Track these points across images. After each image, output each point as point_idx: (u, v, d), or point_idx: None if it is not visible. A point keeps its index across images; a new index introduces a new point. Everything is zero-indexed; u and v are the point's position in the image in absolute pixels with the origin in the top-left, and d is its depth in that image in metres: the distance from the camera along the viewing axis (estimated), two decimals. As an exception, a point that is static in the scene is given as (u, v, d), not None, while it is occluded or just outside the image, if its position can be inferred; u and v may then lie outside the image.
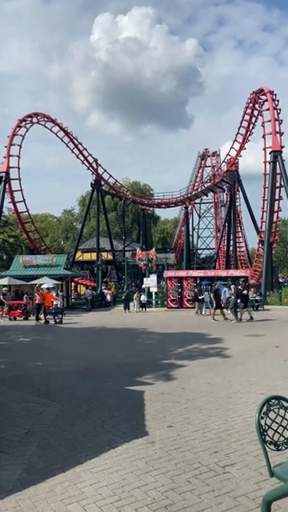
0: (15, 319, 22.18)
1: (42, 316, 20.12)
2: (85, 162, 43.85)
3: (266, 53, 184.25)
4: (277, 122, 33.24)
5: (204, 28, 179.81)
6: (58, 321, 20.16)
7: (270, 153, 33.10)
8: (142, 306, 27.22)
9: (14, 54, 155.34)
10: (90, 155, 44.20)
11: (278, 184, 33.22)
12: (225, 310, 19.62)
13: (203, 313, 21.93)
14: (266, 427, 2.94)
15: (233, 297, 18.97)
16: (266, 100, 34.29)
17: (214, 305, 19.81)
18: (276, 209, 33.55)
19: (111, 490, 3.69)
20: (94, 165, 44.85)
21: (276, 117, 33.39)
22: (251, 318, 18.81)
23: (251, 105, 37.90)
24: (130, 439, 4.84)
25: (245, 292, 19.32)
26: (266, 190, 33.56)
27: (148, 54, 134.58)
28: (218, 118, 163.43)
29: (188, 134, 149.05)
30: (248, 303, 19.95)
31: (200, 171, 64.77)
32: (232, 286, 19.80)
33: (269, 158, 33.40)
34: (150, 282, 29.90)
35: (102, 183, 46.39)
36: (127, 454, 4.45)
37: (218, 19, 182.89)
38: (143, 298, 27.74)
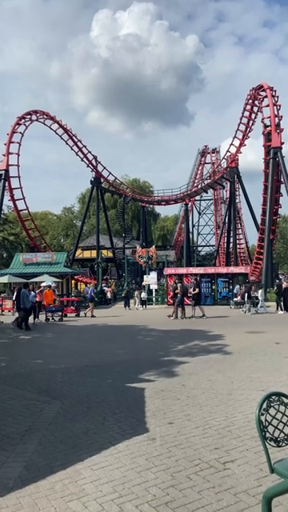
0: (66, 316, 21.80)
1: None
2: (84, 159, 43.80)
3: (266, 49, 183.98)
4: (276, 119, 33.17)
5: (204, 24, 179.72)
6: (57, 318, 20.14)
7: (270, 149, 33.04)
8: (143, 303, 27.25)
9: (14, 52, 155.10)
10: (90, 152, 44.16)
11: (277, 181, 33.19)
12: (216, 306, 19.87)
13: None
14: (267, 423, 2.93)
15: (178, 295, 19.58)
16: (266, 96, 34.21)
17: (193, 301, 20.09)
18: (276, 205, 33.53)
19: (112, 486, 3.69)
20: (94, 162, 44.78)
21: (276, 113, 33.32)
22: (203, 315, 19.09)
23: (251, 101, 37.81)
24: (131, 436, 4.84)
25: (196, 290, 19.87)
26: (266, 186, 33.52)
27: (148, 51, 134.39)
28: (218, 115, 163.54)
29: (189, 131, 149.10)
30: (201, 301, 20.61)
31: (200, 168, 64.68)
32: (179, 285, 20.32)
33: (269, 154, 33.35)
34: (150, 279, 29.94)
35: (102, 180, 46.34)
36: (128, 450, 4.45)
37: (218, 15, 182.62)
38: (143, 295, 27.77)
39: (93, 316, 21.26)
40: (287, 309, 20.94)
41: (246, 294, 21.53)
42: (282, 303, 21.20)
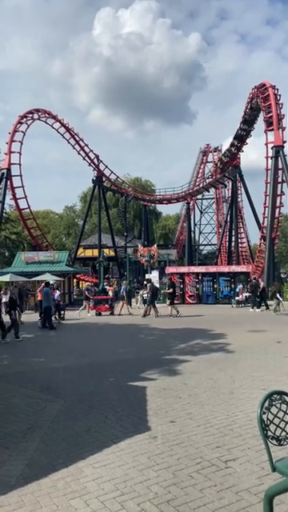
0: (100, 314, 21.59)
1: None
2: (86, 158, 43.77)
3: (269, 47, 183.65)
4: (279, 117, 33.07)
5: (206, 22, 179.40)
6: (60, 317, 20.10)
7: (272, 148, 32.96)
8: (145, 302, 27.23)
9: (15, 50, 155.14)
10: (92, 151, 44.12)
11: (279, 179, 33.10)
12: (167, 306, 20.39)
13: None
14: (268, 422, 2.93)
15: (149, 294, 20.07)
16: (268, 95, 34.10)
17: (168, 301, 20.42)
18: (278, 204, 33.44)
19: (114, 484, 3.70)
20: (96, 161, 44.75)
21: (278, 112, 33.21)
22: (177, 313, 19.32)
23: (253, 100, 37.68)
24: (133, 434, 4.85)
25: (170, 290, 20.30)
26: (268, 185, 33.45)
27: (151, 49, 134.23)
28: (220, 114, 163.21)
29: (191, 130, 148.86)
30: (175, 300, 20.97)
31: (202, 167, 64.58)
32: (148, 285, 20.65)
33: (271, 153, 33.27)
34: (152, 278, 29.90)
35: (104, 179, 46.30)
36: (129, 449, 4.46)
37: (221, 13, 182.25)
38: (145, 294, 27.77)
39: (130, 314, 20.71)
40: (261, 306, 21.87)
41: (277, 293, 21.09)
42: (257, 301, 22.11)
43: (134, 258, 34.22)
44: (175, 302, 21.28)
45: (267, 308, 21.47)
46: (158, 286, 22.06)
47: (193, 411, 5.68)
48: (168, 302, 20.45)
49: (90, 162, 44.20)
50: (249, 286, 23.51)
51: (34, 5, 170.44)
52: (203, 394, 6.50)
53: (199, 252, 66.30)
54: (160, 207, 72.31)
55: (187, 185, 51.37)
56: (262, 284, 22.48)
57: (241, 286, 25.97)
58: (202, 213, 65.67)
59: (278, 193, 33.26)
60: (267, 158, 33.79)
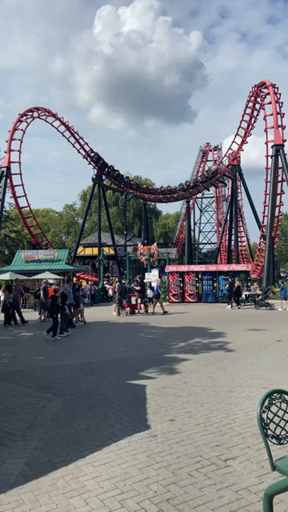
0: (134, 312, 21.28)
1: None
2: (86, 156, 43.71)
3: (270, 46, 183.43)
4: (279, 116, 33.04)
5: (207, 20, 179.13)
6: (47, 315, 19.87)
7: (272, 147, 32.93)
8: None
9: (17, 48, 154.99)
10: (92, 150, 44.05)
11: (279, 178, 33.08)
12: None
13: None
14: (268, 421, 2.93)
15: (117, 293, 20.48)
16: (268, 93, 34.04)
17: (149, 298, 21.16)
18: (278, 203, 33.43)
19: (113, 483, 3.70)
20: (95, 159, 44.67)
21: (278, 110, 33.18)
22: (145, 312, 19.97)
23: (253, 98, 37.63)
24: (132, 433, 4.85)
25: (138, 288, 20.88)
26: (268, 183, 33.43)
27: (152, 47, 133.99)
28: (221, 112, 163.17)
29: (191, 129, 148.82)
30: (143, 298, 21.45)
31: (202, 166, 64.52)
32: (117, 284, 21.05)
33: (271, 151, 33.24)
34: (152, 276, 29.90)
35: (104, 178, 46.26)
36: (129, 447, 4.46)
37: (222, 11, 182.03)
38: (148, 292, 27.74)
39: (165, 312, 20.26)
40: (238, 304, 23.04)
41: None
42: (233, 300, 23.15)
43: (134, 257, 34.20)
44: (178, 300, 21.28)
45: (239, 307, 22.77)
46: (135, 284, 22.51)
47: (192, 410, 5.68)
48: (139, 300, 21.09)
49: (89, 160, 44.15)
50: (226, 285, 24.54)
51: (36, 2, 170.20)
52: (203, 393, 6.50)
53: (199, 251, 66.30)
54: (160, 206, 72.38)
55: (187, 183, 51.26)
56: (237, 283, 23.38)
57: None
58: (201, 211, 65.67)
59: (278, 192, 33.25)
60: (267, 156, 33.77)
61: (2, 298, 25.22)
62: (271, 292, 25.01)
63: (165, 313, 20.34)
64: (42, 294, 19.03)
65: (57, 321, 13.44)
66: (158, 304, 21.01)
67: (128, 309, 21.37)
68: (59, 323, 13.66)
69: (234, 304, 22.84)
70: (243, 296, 24.75)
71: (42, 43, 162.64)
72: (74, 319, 16.44)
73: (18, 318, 18.07)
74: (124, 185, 47.10)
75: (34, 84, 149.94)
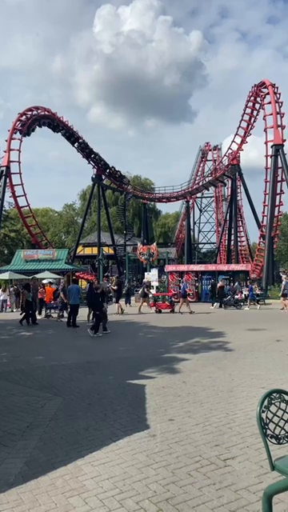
0: (160, 312, 21.06)
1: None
2: (85, 156, 43.68)
3: (270, 45, 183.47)
4: (278, 116, 33.05)
5: (207, 20, 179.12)
6: (60, 314, 19.99)
7: (272, 146, 32.94)
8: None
9: (17, 47, 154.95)
10: (91, 149, 44.03)
11: (279, 178, 33.09)
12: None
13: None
14: (267, 421, 2.93)
15: (144, 289, 21.47)
16: (268, 93, 34.06)
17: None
18: (277, 203, 33.44)
19: (112, 483, 3.70)
20: (95, 159, 44.67)
21: (278, 110, 33.20)
22: (121, 311, 20.23)
23: (253, 98, 37.64)
24: (132, 432, 4.85)
25: (115, 287, 21.33)
26: (268, 183, 33.44)
27: (152, 47, 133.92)
28: (221, 112, 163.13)
29: (191, 128, 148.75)
30: (119, 298, 21.70)
31: (201, 165, 64.52)
32: (87, 284, 21.70)
33: (270, 151, 33.25)
34: (152, 276, 29.89)
35: (103, 177, 46.24)
36: (128, 447, 4.46)
37: (222, 11, 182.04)
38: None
39: (191, 312, 20.06)
40: (220, 304, 23.23)
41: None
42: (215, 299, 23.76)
43: (134, 257, 34.21)
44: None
45: (220, 306, 23.06)
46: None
47: (192, 409, 5.68)
48: (113, 300, 21.49)
49: (89, 160, 44.13)
50: (210, 286, 25.05)
51: (36, 2, 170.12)
52: (202, 393, 6.50)
53: (198, 250, 66.31)
54: (159, 205, 72.44)
55: (187, 183, 51.41)
56: (220, 284, 23.58)
57: (237, 283, 26.52)
58: (201, 211, 65.69)
59: (278, 191, 33.29)
60: (267, 156, 33.79)
61: (2, 298, 25.30)
62: (239, 291, 25.46)
63: (191, 312, 19.99)
64: (62, 294, 18.72)
65: (100, 317, 13.66)
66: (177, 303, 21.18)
67: (154, 308, 21.46)
68: (101, 320, 13.83)
69: (216, 304, 23.09)
70: (242, 296, 24.77)
71: (41, 43, 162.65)
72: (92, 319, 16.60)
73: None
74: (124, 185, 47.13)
75: (34, 83, 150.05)
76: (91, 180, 45.74)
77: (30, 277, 27.30)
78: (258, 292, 25.30)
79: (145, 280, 26.13)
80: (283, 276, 25.24)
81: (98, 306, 13.81)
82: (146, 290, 22.70)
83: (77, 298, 16.16)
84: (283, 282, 21.18)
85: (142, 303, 21.67)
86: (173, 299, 22.82)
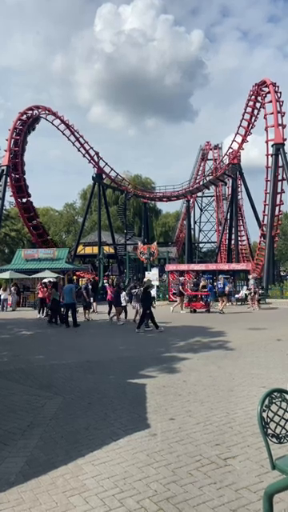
0: (195, 311, 20.54)
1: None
2: (86, 155, 43.65)
3: (270, 44, 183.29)
4: (279, 115, 33.01)
5: (208, 19, 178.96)
6: (91, 311, 19.44)
7: (273, 145, 32.92)
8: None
9: (17, 47, 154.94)
10: (92, 148, 44.01)
11: (280, 177, 33.07)
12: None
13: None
14: (268, 420, 2.92)
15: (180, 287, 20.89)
16: (269, 92, 34.02)
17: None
18: (278, 202, 33.43)
19: (113, 482, 3.70)
20: (96, 158, 44.65)
21: (278, 109, 33.16)
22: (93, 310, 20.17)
23: (253, 97, 37.57)
24: (132, 432, 4.84)
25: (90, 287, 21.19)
26: (268, 183, 33.41)
27: (153, 46, 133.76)
28: (222, 111, 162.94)
29: (192, 128, 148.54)
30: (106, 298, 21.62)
31: (202, 164, 64.47)
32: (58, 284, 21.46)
33: (271, 150, 33.22)
34: (152, 275, 29.88)
35: (104, 177, 46.20)
36: (129, 446, 4.46)
37: (223, 10, 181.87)
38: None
39: (221, 312, 19.62)
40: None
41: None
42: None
43: (134, 256, 34.21)
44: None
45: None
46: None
47: (192, 409, 5.67)
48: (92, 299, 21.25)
49: (89, 159, 44.10)
50: (193, 285, 24.38)
51: (36, 1, 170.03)
52: (203, 392, 6.50)
53: (199, 250, 66.28)
54: (160, 205, 72.30)
55: (187, 182, 51.33)
56: (202, 283, 22.84)
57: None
58: (201, 210, 65.70)
59: (278, 190, 33.27)
60: (267, 155, 33.77)
61: (3, 297, 25.31)
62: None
63: (221, 312, 19.62)
64: (84, 293, 18.47)
65: (144, 314, 14.14)
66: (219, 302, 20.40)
67: (189, 308, 20.90)
68: (146, 316, 14.18)
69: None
70: (243, 295, 24.72)
71: (42, 42, 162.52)
72: (115, 317, 16.72)
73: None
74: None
75: (35, 83, 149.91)
76: (92, 179, 45.69)
77: (31, 276, 27.40)
78: (246, 291, 24.77)
79: (145, 279, 25.96)
80: (250, 276, 24.69)
81: (147, 305, 14.31)
82: (181, 288, 21.52)
83: (71, 297, 16.21)
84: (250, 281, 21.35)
85: (179, 303, 20.90)
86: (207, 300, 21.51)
